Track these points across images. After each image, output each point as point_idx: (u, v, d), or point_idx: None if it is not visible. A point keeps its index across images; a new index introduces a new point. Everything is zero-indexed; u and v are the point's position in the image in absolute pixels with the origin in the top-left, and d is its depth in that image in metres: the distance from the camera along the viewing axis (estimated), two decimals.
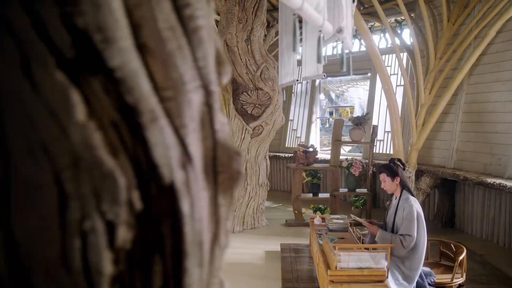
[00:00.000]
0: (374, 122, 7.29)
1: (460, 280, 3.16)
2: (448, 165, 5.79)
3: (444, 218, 5.87)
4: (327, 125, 13.54)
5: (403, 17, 6.59)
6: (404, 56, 6.75)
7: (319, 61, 1.24)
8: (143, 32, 0.43)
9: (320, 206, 6.09)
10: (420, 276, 3.02)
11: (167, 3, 0.45)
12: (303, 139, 8.56)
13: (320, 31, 1.22)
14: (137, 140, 0.42)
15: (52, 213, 0.38)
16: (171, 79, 0.45)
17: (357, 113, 11.74)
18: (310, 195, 6.24)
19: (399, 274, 2.96)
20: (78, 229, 0.38)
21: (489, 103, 5.37)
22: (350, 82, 9.76)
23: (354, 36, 7.71)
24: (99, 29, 0.38)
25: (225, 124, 0.56)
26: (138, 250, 0.44)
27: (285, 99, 7.08)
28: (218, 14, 5.59)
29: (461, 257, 3.14)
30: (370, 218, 5.46)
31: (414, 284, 2.96)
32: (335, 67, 2.67)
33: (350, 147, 10.28)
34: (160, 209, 0.45)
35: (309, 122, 8.65)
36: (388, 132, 7.14)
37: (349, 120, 6.67)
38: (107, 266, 0.39)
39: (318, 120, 9.11)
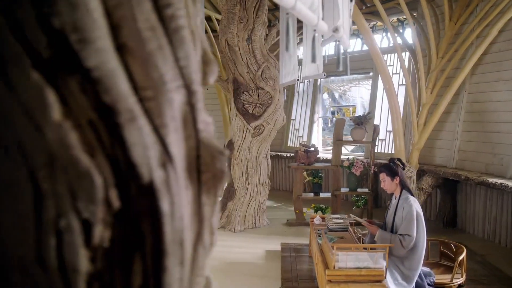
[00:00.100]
0: (376, 122, 7.28)
1: (460, 280, 3.15)
2: (449, 165, 5.77)
3: (446, 218, 5.85)
4: (330, 125, 13.53)
5: (405, 16, 6.58)
6: (406, 55, 6.74)
7: (313, 60, 1.24)
8: (123, 32, 0.44)
9: (321, 205, 6.09)
10: (420, 276, 3.01)
11: (148, 3, 0.45)
12: (305, 139, 8.55)
13: (314, 30, 1.22)
14: (115, 139, 0.42)
15: (27, 212, 0.38)
16: (151, 79, 0.45)
17: (359, 112, 11.71)
18: (311, 194, 6.23)
19: (398, 274, 2.95)
20: (54, 227, 0.38)
21: (491, 103, 5.34)
22: (352, 82, 9.74)
23: (356, 36, 7.69)
24: (76, 29, 0.38)
25: (209, 123, 0.56)
26: (118, 249, 0.44)
27: (286, 98, 7.08)
28: (220, 14, 5.59)
29: (461, 257, 3.12)
30: (371, 218, 5.46)
31: (413, 284, 2.95)
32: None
33: (352, 147, 10.27)
34: (139, 208, 0.45)
35: (311, 121, 8.64)
36: (390, 131, 7.13)
37: (350, 119, 6.65)
38: (83, 264, 0.39)
39: (320, 120, 9.09)
